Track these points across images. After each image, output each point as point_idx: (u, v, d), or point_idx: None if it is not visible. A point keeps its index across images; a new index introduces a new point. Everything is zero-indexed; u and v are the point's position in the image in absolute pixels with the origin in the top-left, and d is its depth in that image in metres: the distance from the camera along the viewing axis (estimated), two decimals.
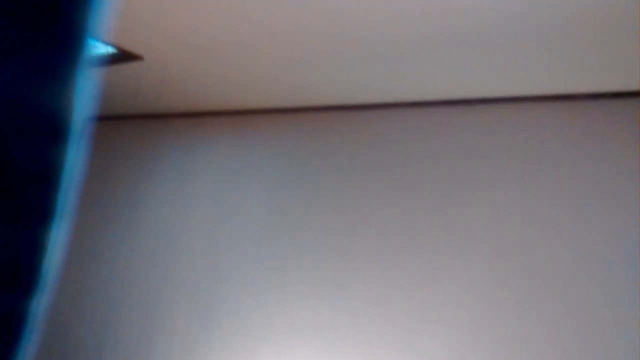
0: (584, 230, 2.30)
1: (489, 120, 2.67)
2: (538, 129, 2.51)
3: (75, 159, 0.24)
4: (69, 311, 4.58)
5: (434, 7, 1.87)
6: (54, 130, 0.22)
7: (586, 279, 2.25)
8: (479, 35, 2.03)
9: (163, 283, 3.91)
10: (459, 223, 2.64)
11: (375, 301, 2.83)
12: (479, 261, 2.54)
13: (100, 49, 3.12)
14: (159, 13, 2.34)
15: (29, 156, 0.22)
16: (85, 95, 0.24)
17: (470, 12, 1.87)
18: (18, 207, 0.22)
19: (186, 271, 3.79)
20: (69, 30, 0.23)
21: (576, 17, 1.78)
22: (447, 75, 2.48)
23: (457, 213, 2.66)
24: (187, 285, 3.75)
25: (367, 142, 3.09)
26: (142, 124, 4.59)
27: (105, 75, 3.54)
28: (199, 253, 3.74)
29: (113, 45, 2.88)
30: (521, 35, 1.96)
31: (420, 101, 2.90)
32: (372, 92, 2.89)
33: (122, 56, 3.06)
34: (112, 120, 4.93)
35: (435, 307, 2.63)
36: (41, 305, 0.23)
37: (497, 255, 2.49)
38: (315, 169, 3.27)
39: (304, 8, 2.04)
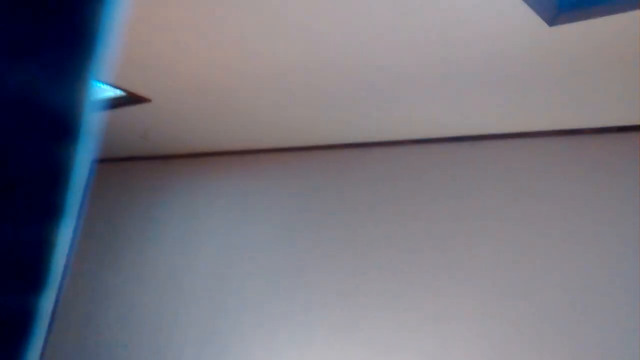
0: (590, 265, 2.27)
1: (494, 156, 2.67)
2: (543, 164, 2.51)
3: (84, 158, 0.24)
4: (75, 354, 4.53)
5: (437, 46, 1.90)
6: (63, 129, 0.23)
7: (591, 316, 2.21)
8: (484, 74, 2.05)
9: (171, 326, 3.87)
10: (465, 262, 2.61)
11: (384, 343, 2.79)
12: (487, 300, 2.50)
13: (109, 91, 3.17)
14: (167, 57, 2.39)
15: (38, 154, 0.22)
16: (94, 94, 0.24)
17: (474, 52, 1.89)
18: (26, 205, 0.22)
19: (194, 313, 3.75)
20: (80, 28, 0.23)
21: (579, 53, 1.80)
22: (451, 113, 2.49)
23: (464, 251, 2.63)
24: (195, 327, 3.71)
25: (371, 180, 3.09)
26: (150, 165, 4.63)
27: (113, 117, 3.59)
28: (207, 294, 3.71)
29: (121, 88, 2.93)
30: (524, 72, 1.98)
31: (425, 138, 2.91)
32: (376, 130, 2.91)
33: (131, 99, 3.11)
34: (120, 161, 4.97)
35: (444, 348, 2.58)
36: (50, 303, 0.24)
37: (505, 294, 2.46)
38: (322, 208, 3.27)
39: (308, 50, 2.07)
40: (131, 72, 2.67)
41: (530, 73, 2.00)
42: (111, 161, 5.08)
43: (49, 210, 0.23)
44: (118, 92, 3.13)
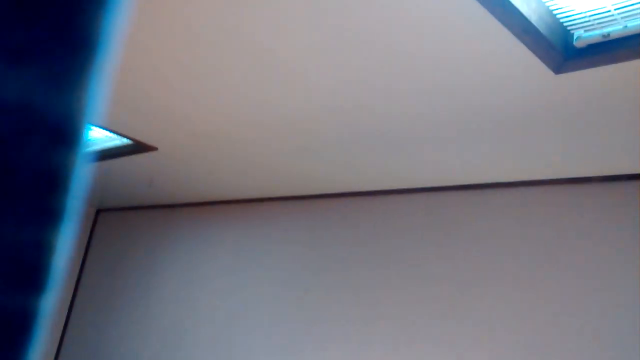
0: (598, 313, 2.21)
1: (501, 205, 2.64)
2: (550, 212, 2.47)
3: (82, 164, 0.25)
4: None
5: (442, 94, 1.90)
6: (63, 135, 0.23)
7: None
8: (489, 122, 2.05)
9: None
10: (474, 312, 2.55)
11: None
12: (496, 351, 2.43)
13: (115, 140, 3.18)
14: (173, 106, 2.41)
15: (38, 160, 0.23)
16: (96, 101, 0.25)
17: (480, 100, 1.89)
18: (27, 210, 0.23)
19: None
20: (83, 35, 0.24)
21: (585, 101, 1.79)
22: (457, 161, 2.48)
23: (472, 301, 2.57)
24: None
25: (378, 229, 3.06)
26: (154, 214, 4.61)
27: (119, 166, 3.59)
28: (210, 347, 3.63)
29: (128, 137, 2.95)
30: (530, 120, 1.98)
31: (431, 187, 2.89)
32: (382, 179, 2.90)
33: (137, 147, 3.12)
34: (124, 210, 4.96)
35: None
36: (50, 304, 0.24)
37: (513, 344, 2.39)
38: (328, 257, 3.22)
39: (313, 98, 2.09)
40: (138, 121, 2.69)
41: (537, 121, 1.99)
42: (115, 210, 5.07)
43: (49, 214, 0.23)
44: (124, 141, 3.14)
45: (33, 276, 0.23)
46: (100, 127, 2.88)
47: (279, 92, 2.10)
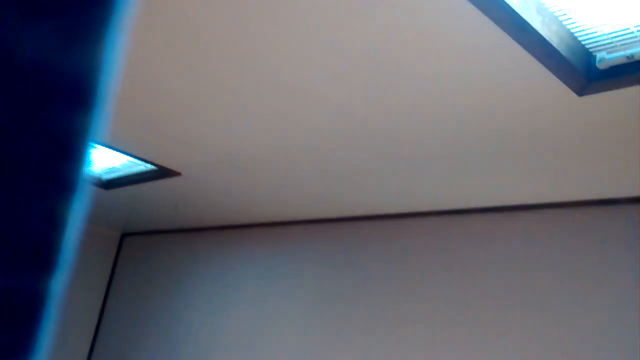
0: (592, 337, 2.14)
1: (526, 227, 2.60)
2: (546, 236, 2.43)
3: (98, 126, 0.23)
4: None
5: (463, 115, 1.89)
6: (79, 95, 0.22)
7: None
8: (512, 145, 2.03)
9: None
10: (488, 337, 2.50)
11: None
12: None
13: (140, 165, 3.23)
14: (197, 131, 2.43)
15: (52, 123, 0.21)
16: (113, 59, 0.23)
17: (502, 123, 1.88)
18: (38, 179, 0.21)
19: None
20: None
21: (609, 123, 1.77)
22: (484, 184, 2.46)
23: (487, 326, 2.52)
24: None
25: (402, 252, 3.03)
26: (180, 238, 4.64)
27: (144, 191, 3.63)
28: None
29: (152, 163, 2.98)
30: (553, 143, 1.95)
31: (453, 209, 2.86)
32: (401, 202, 2.88)
33: (161, 172, 3.15)
34: (150, 235, 5.00)
35: None
36: (60, 285, 0.23)
37: None
38: (352, 281, 3.20)
39: (334, 124, 2.09)
40: (162, 146, 2.72)
41: (560, 143, 1.97)
42: (141, 234, 5.12)
43: (61, 184, 0.22)
44: (148, 167, 3.18)
45: (43, 254, 0.21)
46: (125, 153, 2.92)
47: (298, 115, 2.11)
